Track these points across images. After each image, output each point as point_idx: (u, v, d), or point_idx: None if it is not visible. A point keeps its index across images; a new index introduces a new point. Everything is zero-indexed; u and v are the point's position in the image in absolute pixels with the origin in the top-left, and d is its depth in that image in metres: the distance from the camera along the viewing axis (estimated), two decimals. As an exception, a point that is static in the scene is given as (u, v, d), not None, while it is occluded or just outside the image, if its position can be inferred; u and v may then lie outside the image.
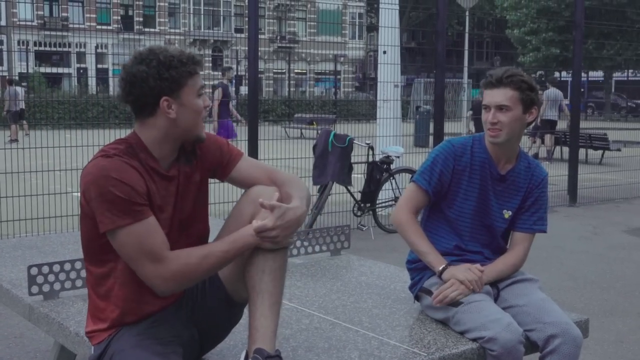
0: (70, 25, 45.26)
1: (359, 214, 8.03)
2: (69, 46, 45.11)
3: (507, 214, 3.00)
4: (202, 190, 2.42)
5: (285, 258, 2.31)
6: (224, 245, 2.25)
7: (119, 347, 2.22)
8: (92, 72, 38.09)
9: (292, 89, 41.72)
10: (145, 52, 2.22)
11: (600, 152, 16.49)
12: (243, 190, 2.44)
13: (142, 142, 2.25)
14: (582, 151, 14.33)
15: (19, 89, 20.19)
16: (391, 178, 8.25)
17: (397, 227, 3.01)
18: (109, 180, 2.11)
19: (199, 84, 2.27)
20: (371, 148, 8.20)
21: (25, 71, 32.17)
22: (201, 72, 2.30)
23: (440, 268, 2.85)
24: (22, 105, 19.32)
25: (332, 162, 7.62)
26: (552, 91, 16.30)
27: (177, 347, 2.26)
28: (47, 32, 44.92)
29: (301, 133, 21.28)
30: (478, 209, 2.97)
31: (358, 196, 8.09)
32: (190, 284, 2.29)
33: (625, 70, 43.58)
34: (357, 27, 59.16)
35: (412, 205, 2.98)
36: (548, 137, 16.36)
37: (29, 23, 42.20)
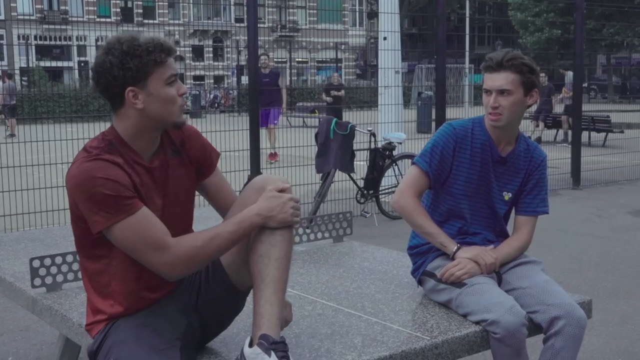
0: (70, 19, 45.19)
1: (362, 201, 8.02)
2: (70, 39, 45.04)
3: (507, 196, 2.99)
4: (192, 181, 2.42)
5: (290, 245, 2.30)
6: (230, 226, 2.25)
7: (116, 339, 2.22)
8: (92, 65, 38.02)
9: (293, 78, 41.62)
10: (112, 41, 2.20)
11: (603, 134, 16.46)
12: (245, 182, 2.42)
13: (120, 136, 2.23)
14: (584, 134, 14.30)
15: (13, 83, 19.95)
16: (394, 164, 8.24)
17: (401, 211, 2.98)
18: (95, 181, 2.10)
19: (168, 72, 2.22)
20: (373, 135, 8.18)
21: (26, 65, 32.07)
22: (173, 58, 2.24)
23: (455, 248, 2.86)
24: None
25: (334, 150, 7.60)
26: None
27: (175, 340, 2.25)
28: (47, 26, 44.87)
29: (303, 121, 21.23)
30: (480, 191, 2.96)
31: (361, 183, 8.08)
32: (200, 267, 2.29)
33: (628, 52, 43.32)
34: (357, 14, 58.99)
35: (414, 189, 2.96)
36: (564, 120, 16.52)
37: (29, 17, 42.09)
